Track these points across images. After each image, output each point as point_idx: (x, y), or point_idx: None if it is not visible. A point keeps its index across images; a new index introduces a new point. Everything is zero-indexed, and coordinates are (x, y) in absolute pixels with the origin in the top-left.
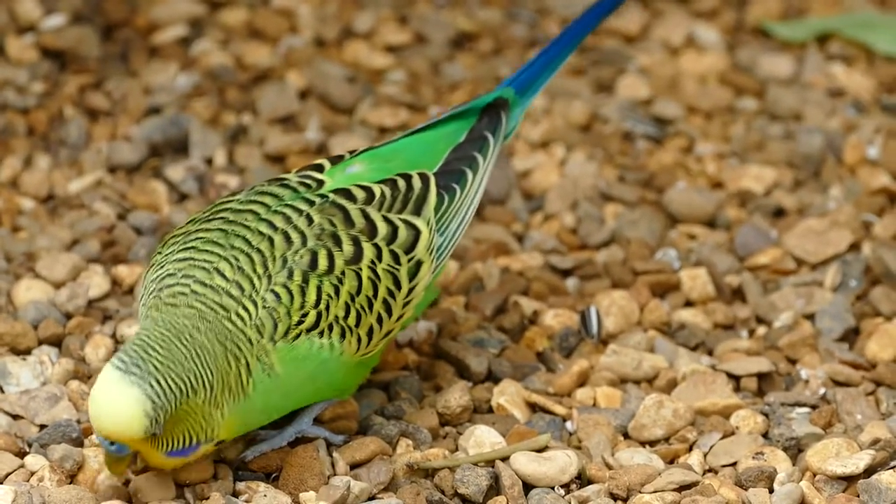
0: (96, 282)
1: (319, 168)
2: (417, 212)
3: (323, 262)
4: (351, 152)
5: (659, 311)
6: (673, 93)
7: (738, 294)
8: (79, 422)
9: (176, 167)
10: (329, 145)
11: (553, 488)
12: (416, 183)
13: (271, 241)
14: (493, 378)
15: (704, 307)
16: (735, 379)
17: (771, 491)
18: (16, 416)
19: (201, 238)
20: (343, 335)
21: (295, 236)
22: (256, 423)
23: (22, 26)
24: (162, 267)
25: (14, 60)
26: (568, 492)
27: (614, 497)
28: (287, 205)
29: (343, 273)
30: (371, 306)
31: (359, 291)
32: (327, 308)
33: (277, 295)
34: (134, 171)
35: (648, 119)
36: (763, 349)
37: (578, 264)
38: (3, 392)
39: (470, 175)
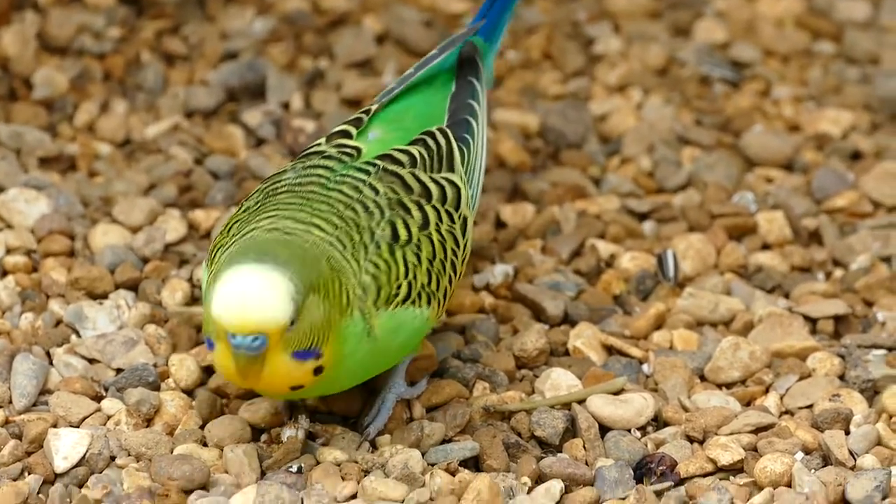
0: (173, 226)
1: (348, 135)
2: (451, 168)
3: (403, 232)
4: (358, 117)
5: (736, 254)
6: (750, 36)
7: (815, 237)
8: (155, 365)
9: (253, 112)
10: None
11: (629, 431)
12: (441, 140)
13: (354, 210)
14: (569, 321)
15: (781, 250)
16: (811, 321)
17: (847, 433)
18: (92, 360)
19: (280, 205)
20: (429, 301)
21: (372, 207)
22: (347, 383)
23: None
24: (235, 235)
25: (91, 6)
26: (644, 434)
27: (690, 439)
28: (344, 175)
29: (420, 240)
30: (444, 269)
31: (434, 256)
32: (415, 277)
33: (377, 265)
34: (211, 116)
35: (725, 62)
36: (839, 292)
37: (655, 207)
38: (79, 336)
39: (475, 124)
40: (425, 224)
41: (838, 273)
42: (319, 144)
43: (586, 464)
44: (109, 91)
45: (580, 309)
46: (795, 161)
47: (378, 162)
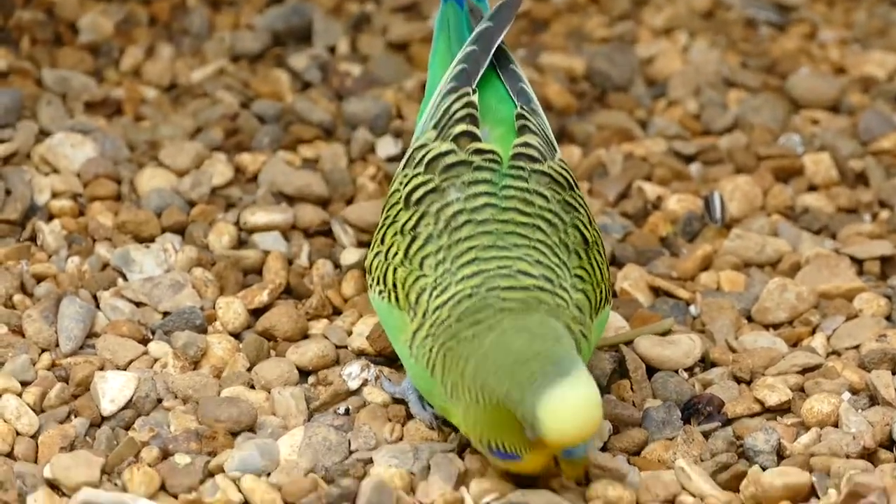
0: (219, 170)
1: (475, 136)
2: (554, 147)
3: (587, 234)
4: (470, 114)
5: (782, 196)
6: None
7: (861, 178)
8: (202, 308)
9: (299, 56)
10: None
11: (677, 371)
12: (533, 120)
13: (541, 229)
14: (616, 263)
15: (828, 191)
16: (858, 262)
17: (894, 373)
18: (139, 304)
19: (472, 247)
20: (610, 296)
21: (552, 217)
22: None
23: None
24: (443, 290)
25: None
26: (692, 375)
27: (738, 380)
28: (506, 189)
29: (595, 237)
30: (604, 256)
31: (601, 249)
32: (603, 276)
33: (581, 278)
34: (257, 60)
35: (771, 5)
36: (886, 233)
37: (702, 149)
38: (126, 279)
39: (527, 86)
40: (590, 218)
41: (884, 214)
42: (455, 152)
43: (634, 405)
44: (155, 35)
45: (627, 251)
46: (841, 103)
47: (524, 165)
